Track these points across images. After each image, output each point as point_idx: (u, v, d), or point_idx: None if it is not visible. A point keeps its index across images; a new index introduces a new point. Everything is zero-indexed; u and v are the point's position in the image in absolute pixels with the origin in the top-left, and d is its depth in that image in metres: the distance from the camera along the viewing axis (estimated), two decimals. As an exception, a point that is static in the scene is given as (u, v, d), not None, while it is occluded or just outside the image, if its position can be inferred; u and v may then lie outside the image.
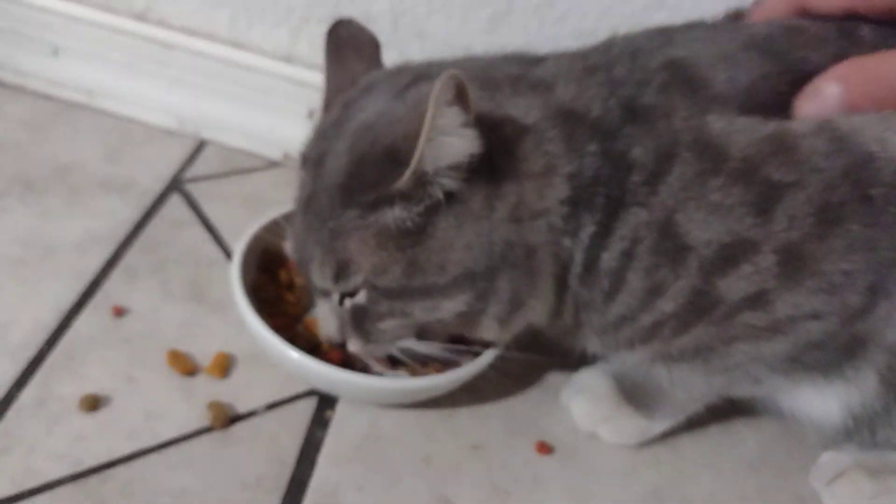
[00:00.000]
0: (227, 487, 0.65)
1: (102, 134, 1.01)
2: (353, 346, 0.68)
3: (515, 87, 0.64)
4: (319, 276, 0.65)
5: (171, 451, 0.67)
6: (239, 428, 0.70)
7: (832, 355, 0.64)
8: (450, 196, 0.60)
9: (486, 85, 0.64)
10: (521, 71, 0.65)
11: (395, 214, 0.60)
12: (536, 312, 0.68)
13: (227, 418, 0.70)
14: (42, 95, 1.04)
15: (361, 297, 0.64)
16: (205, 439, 0.69)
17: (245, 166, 1.00)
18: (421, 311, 0.64)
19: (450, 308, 0.64)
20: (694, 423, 0.77)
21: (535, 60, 0.68)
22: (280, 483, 0.66)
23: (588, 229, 0.63)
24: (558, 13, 0.91)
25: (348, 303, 0.66)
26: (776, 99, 0.61)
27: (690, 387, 0.71)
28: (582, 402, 0.77)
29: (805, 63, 0.62)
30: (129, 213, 0.89)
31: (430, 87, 0.58)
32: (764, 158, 0.59)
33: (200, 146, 1.02)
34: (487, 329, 0.67)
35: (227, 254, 0.86)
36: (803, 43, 0.63)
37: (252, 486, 0.66)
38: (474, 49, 0.93)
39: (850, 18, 0.64)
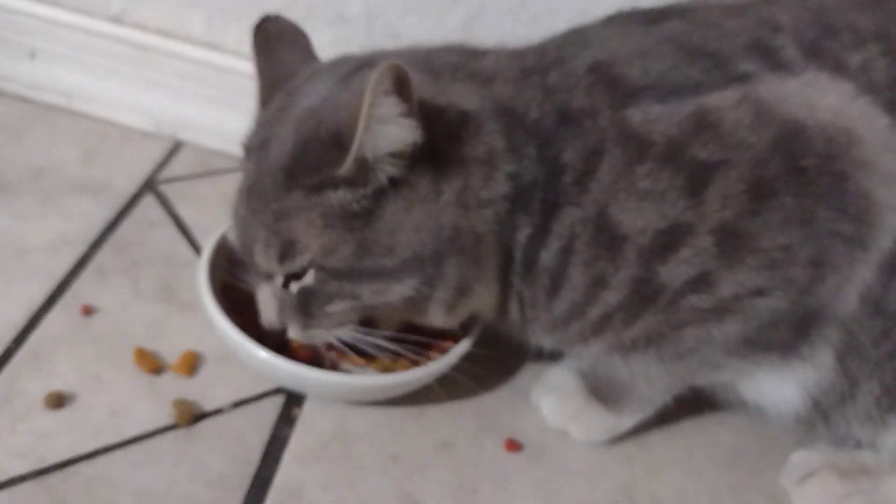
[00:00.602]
0: (189, 485, 0.65)
1: (79, 136, 1.01)
2: (293, 331, 0.67)
3: (455, 74, 0.64)
4: (264, 258, 0.64)
5: (134, 449, 0.67)
6: (204, 426, 0.70)
7: (786, 333, 0.64)
8: (396, 181, 0.60)
9: (428, 71, 0.64)
10: (462, 60, 0.66)
11: (339, 197, 0.60)
12: (483, 300, 0.68)
13: (192, 416, 0.69)
14: (20, 98, 1.04)
15: (309, 279, 0.64)
16: (169, 437, 0.68)
17: (221, 167, 1.00)
18: (370, 294, 0.63)
19: (398, 291, 0.63)
20: (665, 421, 0.76)
21: (475, 53, 0.68)
22: (243, 481, 0.66)
23: (525, 231, 0.64)
24: (531, 14, 0.91)
25: (294, 286, 0.65)
26: (692, 88, 0.61)
27: (652, 378, 0.70)
28: (551, 399, 0.76)
29: (717, 53, 0.62)
30: (102, 214, 0.89)
31: (367, 72, 0.58)
32: (688, 139, 0.59)
33: (176, 147, 1.02)
34: (435, 314, 0.66)
35: (200, 254, 0.86)
36: (718, 36, 0.63)
37: (215, 483, 0.65)
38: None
39: None
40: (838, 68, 0.61)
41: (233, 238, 0.69)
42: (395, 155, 0.59)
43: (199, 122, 1.01)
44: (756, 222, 0.59)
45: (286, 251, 0.63)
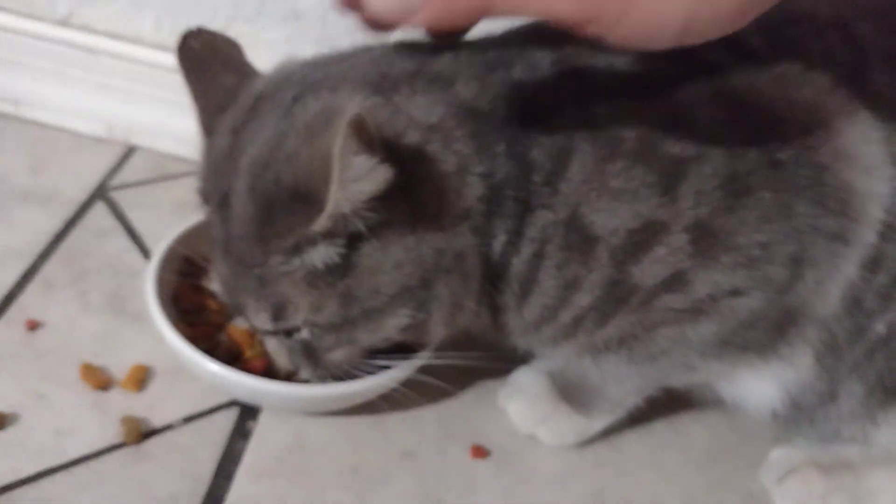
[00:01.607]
0: (136, 506, 0.62)
1: (29, 144, 0.97)
2: (308, 374, 0.65)
3: (413, 84, 0.59)
4: (258, 320, 0.62)
5: (79, 470, 0.64)
6: (154, 443, 0.67)
7: (764, 334, 0.62)
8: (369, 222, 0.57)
9: (382, 87, 0.59)
10: (418, 65, 0.60)
11: (320, 254, 0.57)
12: (471, 313, 0.65)
13: (140, 433, 0.66)
14: (-33, 107, 1.01)
15: (305, 334, 0.61)
16: (116, 456, 0.65)
17: (175, 171, 0.96)
18: (366, 335, 0.61)
19: (394, 324, 0.61)
20: (637, 421, 0.74)
21: (432, 50, 0.62)
22: (194, 499, 0.63)
23: (501, 238, 0.60)
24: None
25: (296, 336, 0.62)
26: (660, 80, 0.58)
27: (622, 379, 0.68)
28: (519, 403, 0.73)
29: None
30: (50, 224, 0.85)
31: (317, 105, 0.55)
32: (661, 134, 0.56)
33: (129, 152, 0.99)
34: (435, 334, 0.64)
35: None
36: None
37: (164, 503, 0.62)
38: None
39: None
40: (804, 58, 0.59)
41: (220, 294, 0.66)
42: (371, 200, 0.55)
43: (153, 125, 0.98)
44: (732, 219, 0.57)
45: (278, 314, 0.60)
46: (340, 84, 0.59)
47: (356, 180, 0.53)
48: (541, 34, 0.63)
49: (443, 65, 0.61)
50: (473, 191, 0.59)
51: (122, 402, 0.69)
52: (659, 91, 0.58)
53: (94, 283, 0.80)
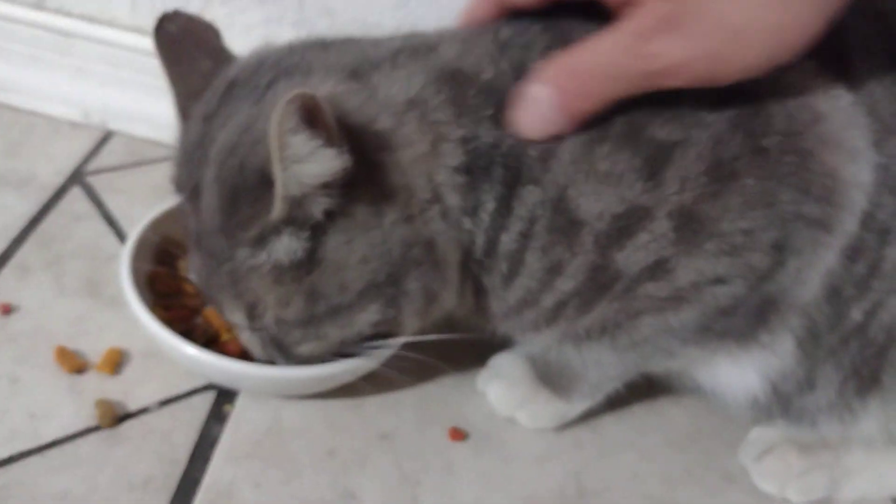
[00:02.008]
0: (111, 489, 0.61)
1: (4, 129, 0.96)
2: (282, 363, 0.65)
3: (394, 60, 0.59)
4: (233, 317, 0.62)
5: (53, 453, 0.63)
6: (129, 426, 0.66)
7: (744, 321, 0.61)
8: (332, 214, 0.56)
9: (360, 71, 0.58)
10: (402, 41, 0.61)
11: (285, 245, 0.56)
12: (450, 299, 0.64)
13: (115, 416, 0.66)
14: (-59, 92, 1.00)
15: (273, 329, 0.61)
16: (91, 439, 0.64)
17: (152, 156, 0.96)
18: (335, 331, 0.61)
19: (364, 319, 0.60)
20: (616, 403, 0.73)
21: (412, 34, 0.63)
22: (170, 482, 0.62)
23: (488, 206, 0.59)
24: (469, -15, 0.87)
25: (267, 333, 0.62)
26: None
27: (603, 365, 0.68)
28: (498, 386, 0.73)
29: None
30: (25, 209, 0.85)
31: (288, 88, 0.54)
32: (647, 117, 0.56)
33: (106, 137, 0.98)
34: (409, 326, 0.63)
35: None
36: None
37: (139, 486, 0.62)
38: (384, 26, 0.90)
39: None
40: None
41: (196, 283, 0.65)
42: (324, 186, 0.54)
43: (130, 110, 0.97)
44: (716, 205, 0.56)
45: (251, 312, 0.60)
46: (315, 69, 0.58)
47: (298, 161, 0.52)
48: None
49: (427, 37, 0.61)
50: (448, 160, 0.58)
51: (97, 386, 0.68)
52: None
53: (69, 267, 0.79)
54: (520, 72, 0.58)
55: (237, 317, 0.61)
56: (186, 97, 0.64)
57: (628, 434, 0.74)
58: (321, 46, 0.62)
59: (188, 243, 0.63)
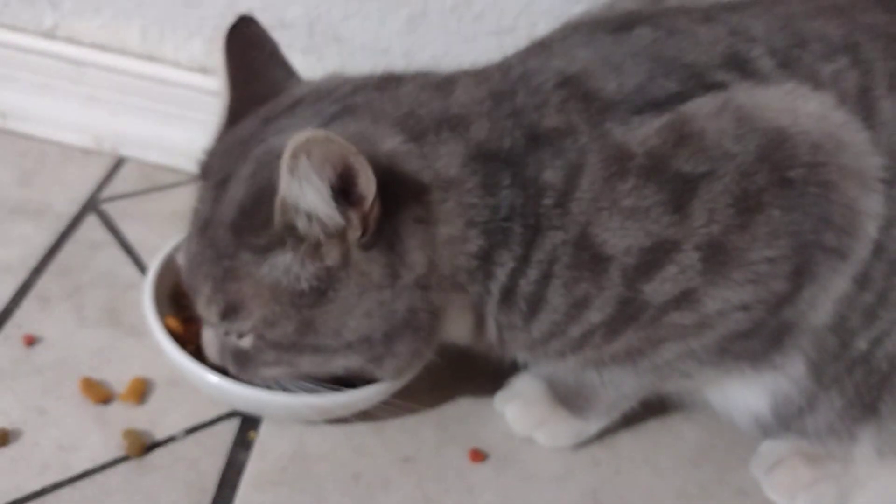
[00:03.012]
0: (143, 519, 0.63)
1: (16, 157, 0.97)
2: (232, 371, 0.66)
3: (439, 132, 0.60)
4: (205, 309, 0.62)
5: (84, 484, 0.64)
6: (156, 455, 0.67)
7: (760, 344, 0.63)
8: (349, 261, 0.57)
9: (415, 133, 0.59)
10: (441, 108, 0.61)
11: (286, 265, 0.57)
12: (457, 335, 0.66)
13: (143, 446, 0.67)
14: (-47, 120, 1.01)
15: (247, 343, 0.62)
16: (120, 469, 0.66)
17: (165, 182, 0.97)
18: (309, 366, 0.62)
19: (341, 364, 0.62)
20: (631, 420, 0.75)
21: (447, 84, 0.63)
22: (199, 510, 0.64)
23: (507, 267, 0.60)
24: (476, 11, 0.89)
25: (234, 340, 0.63)
26: (670, 99, 0.59)
27: (622, 385, 0.69)
28: (516, 407, 0.75)
29: (693, 62, 0.60)
30: (42, 238, 0.86)
31: (354, 129, 0.56)
32: (670, 150, 0.57)
33: (118, 164, 0.99)
34: (383, 377, 0.66)
35: (145, 274, 0.83)
36: (692, 45, 0.61)
37: (170, 515, 0.63)
38: (393, 51, 0.92)
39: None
40: (812, 80, 0.60)
41: (181, 265, 0.66)
42: (327, 213, 0.55)
43: (141, 136, 0.98)
44: (744, 236, 0.57)
45: (228, 312, 0.60)
46: (381, 118, 0.60)
47: (304, 178, 0.53)
48: (541, 55, 0.64)
49: (459, 104, 0.61)
50: (469, 248, 0.59)
51: (124, 415, 0.70)
52: (667, 108, 0.58)
53: (89, 296, 0.80)
54: (532, 134, 0.59)
55: (211, 311, 0.61)
56: (243, 100, 0.65)
57: (643, 451, 0.75)
58: (381, 86, 0.63)
59: (190, 226, 0.63)
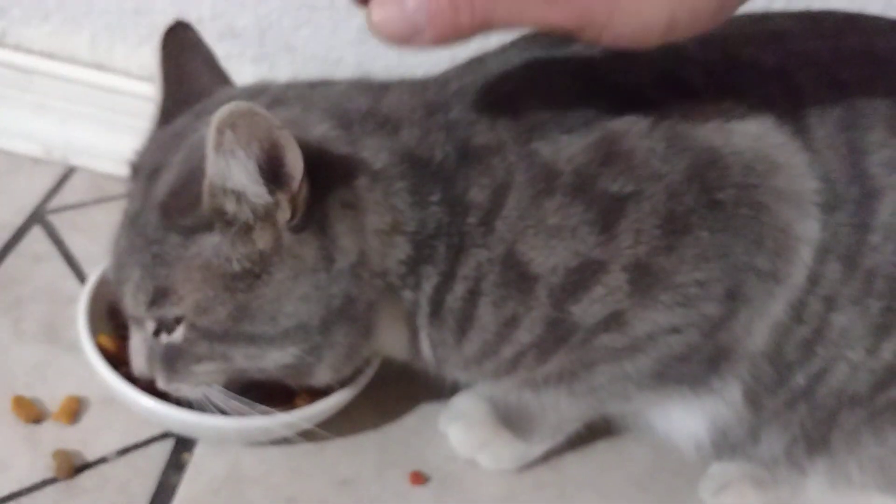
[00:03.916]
0: (67, 544, 0.61)
1: (-37, 166, 0.95)
2: (160, 383, 0.63)
3: (364, 124, 0.60)
4: (132, 300, 0.60)
5: (8, 508, 0.63)
6: (86, 477, 0.66)
7: (698, 367, 0.62)
8: (281, 245, 0.56)
9: (344, 121, 0.59)
10: (370, 104, 0.61)
11: (214, 244, 0.56)
12: (390, 348, 0.66)
13: (72, 467, 0.65)
14: None
15: (178, 336, 0.60)
16: (49, 491, 0.64)
17: (116, 192, 0.94)
18: (243, 358, 0.60)
19: (276, 358, 0.60)
20: (578, 442, 0.74)
21: (381, 89, 0.63)
22: (127, 536, 0.62)
23: (431, 280, 0.60)
24: (429, 22, 0.87)
25: (164, 338, 0.61)
26: (601, 117, 0.58)
27: (561, 409, 0.68)
28: (459, 428, 0.73)
29: (621, 83, 0.59)
30: (-16, 250, 0.84)
31: (285, 115, 0.56)
32: (597, 168, 0.56)
33: (68, 173, 0.97)
34: (320, 378, 0.63)
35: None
36: (626, 63, 0.60)
37: (95, 540, 0.61)
38: (346, 62, 0.90)
39: None
40: (746, 102, 0.59)
41: (108, 268, 0.64)
42: (257, 191, 0.54)
43: (91, 145, 0.96)
44: (671, 258, 0.57)
45: (157, 298, 0.58)
46: (311, 107, 0.60)
47: (229, 153, 0.52)
48: (477, 71, 0.63)
49: (390, 107, 0.61)
50: (398, 253, 0.59)
51: (55, 435, 0.68)
52: (596, 124, 0.58)
53: (28, 311, 0.78)
54: (463, 150, 0.59)
55: (139, 300, 0.59)
56: (174, 101, 0.66)
57: (590, 474, 0.74)
58: (311, 86, 0.64)
59: (118, 226, 0.62)
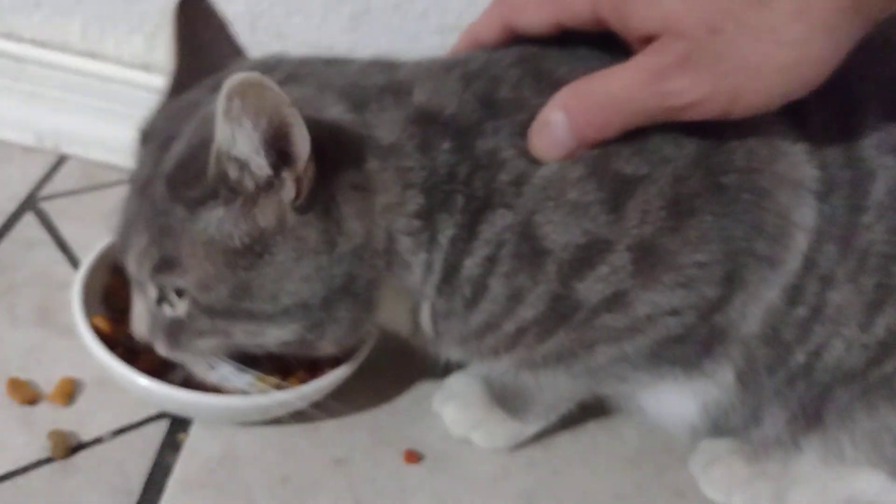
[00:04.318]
0: (64, 522, 0.61)
1: (-45, 154, 0.96)
2: (160, 349, 0.64)
3: (381, 100, 0.59)
4: (137, 265, 0.60)
5: (4, 486, 0.63)
6: (82, 457, 0.66)
7: (692, 349, 0.63)
8: (285, 226, 0.56)
9: (357, 101, 0.59)
10: (387, 78, 0.61)
11: (218, 218, 0.56)
12: (393, 321, 0.66)
13: (68, 447, 0.66)
14: None
15: (181, 311, 0.60)
16: (44, 471, 0.64)
17: (107, 180, 0.95)
18: (243, 334, 0.61)
19: (277, 335, 0.60)
20: (569, 421, 0.75)
21: (398, 64, 0.63)
22: (123, 514, 0.63)
23: (447, 232, 0.59)
24: (419, 9, 0.88)
25: (167, 310, 0.61)
26: None
27: (558, 388, 0.69)
28: (453, 407, 0.74)
29: None
30: (-23, 237, 0.84)
31: (298, 94, 0.55)
32: (614, 146, 0.57)
33: (60, 161, 0.97)
34: (323, 351, 0.64)
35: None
36: None
37: (92, 518, 0.62)
38: (337, 49, 0.90)
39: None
40: None
41: (112, 230, 0.64)
42: (261, 161, 0.54)
43: (83, 133, 0.97)
44: (675, 239, 0.57)
45: (162, 266, 0.59)
46: (326, 88, 0.60)
47: (236, 122, 0.52)
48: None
49: (405, 73, 0.61)
50: (410, 207, 0.58)
51: (50, 416, 0.68)
52: None
53: (22, 295, 0.79)
54: (486, 101, 0.59)
55: (143, 267, 0.59)
56: (190, 71, 0.65)
57: (581, 451, 0.75)
58: (327, 63, 0.64)
59: (128, 190, 0.63)
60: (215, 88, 0.59)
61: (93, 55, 0.94)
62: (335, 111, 0.58)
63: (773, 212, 0.58)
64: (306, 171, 0.55)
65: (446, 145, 0.58)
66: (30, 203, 0.90)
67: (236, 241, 0.57)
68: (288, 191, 0.55)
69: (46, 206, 0.90)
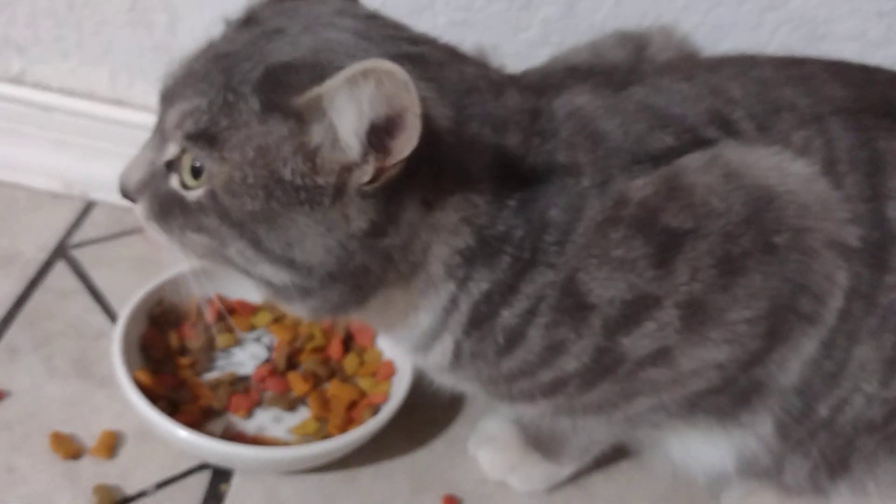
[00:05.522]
0: (113, 578, 0.62)
1: (-15, 203, 0.96)
2: (141, 211, 0.60)
3: (482, 127, 0.57)
4: (175, 118, 0.55)
5: (53, 544, 0.64)
6: (127, 511, 0.67)
7: (729, 400, 0.63)
8: (340, 196, 0.53)
9: (462, 118, 0.57)
10: (493, 105, 0.59)
11: (283, 136, 0.52)
12: (403, 330, 0.63)
13: (113, 501, 0.67)
14: (-80, 167, 1.00)
15: (193, 195, 0.56)
16: (91, 527, 0.65)
17: (136, 225, 0.95)
18: (237, 253, 0.57)
19: (265, 273, 0.57)
20: (603, 461, 0.76)
21: (502, 83, 0.61)
22: (171, 568, 0.63)
23: (482, 286, 0.59)
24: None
25: (173, 181, 0.57)
26: (667, 151, 0.59)
27: (594, 432, 0.70)
28: (489, 451, 0.75)
29: (683, 118, 0.60)
30: (10, 287, 0.85)
31: (422, 86, 0.53)
32: (661, 202, 0.57)
33: (88, 208, 0.98)
34: (291, 310, 0.62)
35: (115, 322, 0.82)
36: (680, 100, 0.61)
37: (141, 574, 0.63)
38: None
39: None
40: (790, 146, 0.59)
41: (165, 76, 0.59)
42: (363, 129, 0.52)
43: (111, 180, 0.96)
44: (725, 298, 0.57)
45: (200, 137, 0.54)
46: (447, 91, 0.57)
47: (355, 98, 0.50)
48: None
49: (506, 107, 0.60)
50: (458, 242, 0.57)
51: (94, 470, 0.69)
52: (663, 161, 0.58)
53: (58, 346, 0.80)
54: (549, 165, 0.58)
55: (181, 123, 0.55)
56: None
57: (617, 491, 0.76)
58: (448, 53, 0.61)
59: (204, 50, 0.58)
60: (343, 12, 0.59)
61: (120, 103, 0.95)
62: (446, 123, 0.56)
63: (819, 273, 0.58)
64: (393, 167, 0.53)
65: (512, 202, 0.58)
66: (61, 251, 0.91)
67: (286, 171, 0.54)
68: (365, 174, 0.53)
69: (77, 254, 0.91)
